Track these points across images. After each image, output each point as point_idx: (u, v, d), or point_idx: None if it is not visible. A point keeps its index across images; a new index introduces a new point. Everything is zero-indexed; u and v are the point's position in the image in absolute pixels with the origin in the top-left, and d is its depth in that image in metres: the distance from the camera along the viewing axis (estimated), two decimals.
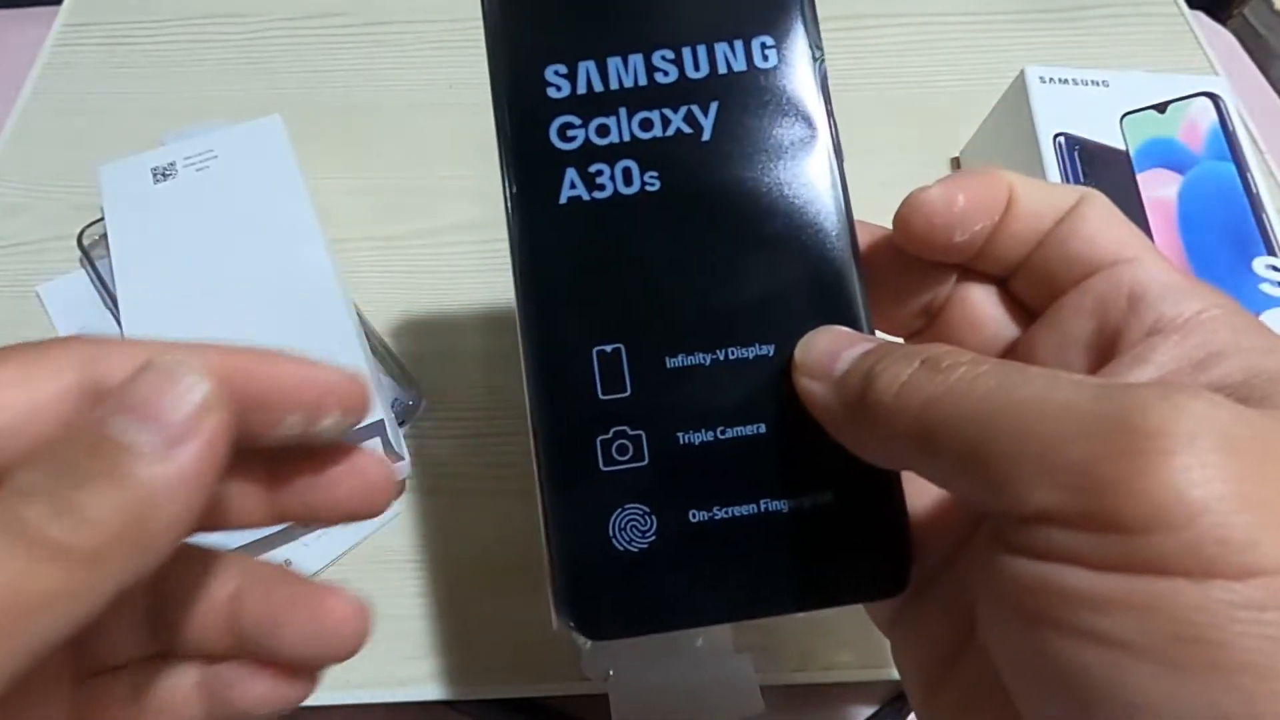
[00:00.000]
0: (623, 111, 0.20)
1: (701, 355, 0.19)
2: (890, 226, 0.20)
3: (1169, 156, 0.38)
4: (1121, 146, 0.38)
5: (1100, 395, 0.14)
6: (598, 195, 0.19)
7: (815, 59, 0.20)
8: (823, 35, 0.20)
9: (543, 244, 0.19)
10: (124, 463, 0.13)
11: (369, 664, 0.32)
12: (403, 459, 0.34)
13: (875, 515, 0.19)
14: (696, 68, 0.20)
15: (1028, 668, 0.14)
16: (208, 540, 0.17)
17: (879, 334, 0.19)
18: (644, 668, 0.31)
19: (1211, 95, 0.39)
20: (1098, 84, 0.39)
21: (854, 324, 0.19)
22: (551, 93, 0.20)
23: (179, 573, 0.17)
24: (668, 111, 0.20)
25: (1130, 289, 0.18)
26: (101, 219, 0.39)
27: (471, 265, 0.41)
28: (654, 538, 0.19)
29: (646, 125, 0.19)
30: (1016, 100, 0.39)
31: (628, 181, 0.19)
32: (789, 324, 0.19)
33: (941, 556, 0.19)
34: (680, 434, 0.19)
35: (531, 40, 0.20)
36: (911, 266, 0.20)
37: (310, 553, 0.34)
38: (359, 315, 0.38)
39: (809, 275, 0.19)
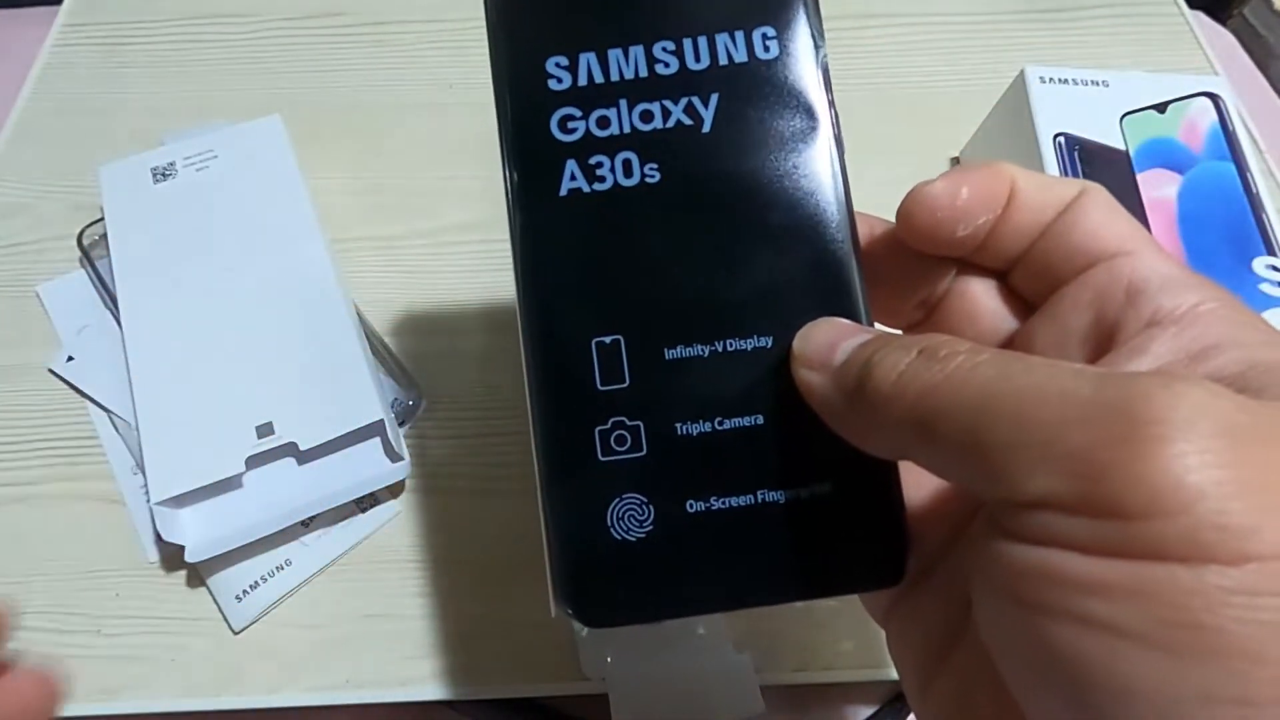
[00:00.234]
0: (623, 103, 0.20)
1: (700, 346, 0.19)
2: (890, 220, 0.20)
3: (1169, 156, 0.38)
4: (1121, 146, 0.38)
5: (1101, 383, 0.13)
6: (598, 187, 0.19)
7: (818, 49, 0.20)
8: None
9: (543, 236, 0.19)
10: None
11: (369, 664, 0.32)
12: (403, 459, 0.34)
13: (872, 506, 0.19)
14: (697, 59, 0.20)
15: (1022, 653, 0.14)
16: None
17: (878, 326, 0.19)
18: (643, 663, 0.30)
19: (1211, 95, 0.39)
20: (1098, 84, 0.39)
21: (853, 316, 0.19)
22: (552, 85, 0.20)
23: None
24: (668, 103, 0.20)
25: (1129, 281, 0.18)
26: (101, 219, 0.39)
27: (471, 265, 0.41)
28: (652, 527, 0.19)
29: (647, 117, 0.19)
30: (1016, 100, 0.39)
31: (628, 173, 0.19)
32: (788, 315, 0.19)
33: (937, 547, 0.19)
34: (678, 424, 0.19)
35: (533, 32, 0.20)
36: (911, 259, 0.20)
37: (310, 553, 0.34)
38: (359, 315, 0.38)
39: (808, 267, 0.19)
